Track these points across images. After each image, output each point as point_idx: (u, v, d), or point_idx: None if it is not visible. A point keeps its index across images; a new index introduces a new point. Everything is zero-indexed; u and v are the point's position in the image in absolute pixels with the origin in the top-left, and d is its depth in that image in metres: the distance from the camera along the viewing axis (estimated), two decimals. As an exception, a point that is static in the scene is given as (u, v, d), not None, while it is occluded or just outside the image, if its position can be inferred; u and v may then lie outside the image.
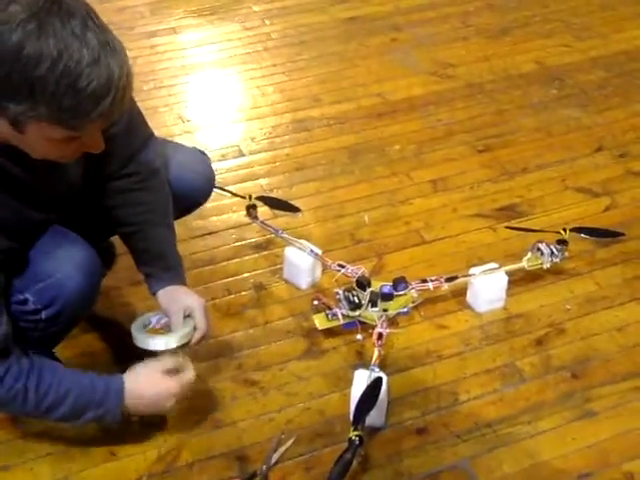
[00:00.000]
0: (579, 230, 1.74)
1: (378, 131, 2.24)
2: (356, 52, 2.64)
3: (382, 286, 1.59)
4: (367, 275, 1.63)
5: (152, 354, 1.34)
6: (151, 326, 1.40)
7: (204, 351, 1.57)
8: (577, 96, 2.36)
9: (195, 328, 1.37)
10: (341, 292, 1.59)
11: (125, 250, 1.47)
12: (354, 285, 1.59)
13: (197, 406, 1.47)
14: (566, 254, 1.69)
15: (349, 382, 1.43)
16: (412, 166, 2.09)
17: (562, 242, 1.69)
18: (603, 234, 1.77)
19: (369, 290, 1.57)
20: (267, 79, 2.52)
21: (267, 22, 2.85)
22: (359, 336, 1.56)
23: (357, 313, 1.56)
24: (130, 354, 1.37)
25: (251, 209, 1.80)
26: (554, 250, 1.67)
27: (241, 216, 1.87)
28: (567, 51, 2.60)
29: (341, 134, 2.23)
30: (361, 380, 1.39)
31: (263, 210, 1.85)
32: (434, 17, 2.84)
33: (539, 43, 2.65)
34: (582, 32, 2.70)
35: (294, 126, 2.28)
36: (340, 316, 1.56)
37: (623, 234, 1.79)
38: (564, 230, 1.71)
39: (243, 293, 1.72)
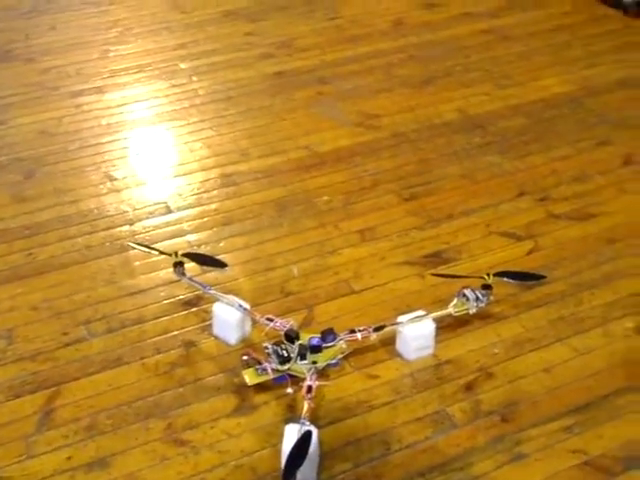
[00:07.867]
0: (502, 274, 1.76)
1: (306, 183, 2.26)
2: (283, 106, 2.67)
3: (310, 338, 1.59)
4: (296, 328, 1.63)
5: None
6: None
7: (133, 413, 1.55)
8: (499, 143, 2.42)
9: None
10: (270, 346, 1.58)
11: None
12: (283, 338, 1.60)
13: (127, 469, 1.44)
14: (491, 298, 1.71)
15: (281, 437, 1.42)
16: (340, 217, 2.11)
17: (487, 287, 1.71)
18: (525, 277, 1.80)
19: (297, 343, 1.57)
20: (195, 135, 2.53)
21: (194, 79, 2.87)
22: (289, 390, 1.55)
23: (286, 367, 1.55)
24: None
25: (178, 266, 1.79)
26: (479, 295, 1.69)
27: (170, 273, 1.86)
28: (488, 99, 2.67)
29: (269, 187, 2.25)
30: (292, 434, 1.38)
31: (191, 266, 1.84)
32: (359, 70, 2.89)
33: (461, 92, 2.72)
34: (502, 81, 2.78)
35: (222, 181, 2.28)
36: (270, 370, 1.55)
37: (545, 277, 1.82)
38: (487, 275, 1.73)
39: (172, 351, 1.70)
